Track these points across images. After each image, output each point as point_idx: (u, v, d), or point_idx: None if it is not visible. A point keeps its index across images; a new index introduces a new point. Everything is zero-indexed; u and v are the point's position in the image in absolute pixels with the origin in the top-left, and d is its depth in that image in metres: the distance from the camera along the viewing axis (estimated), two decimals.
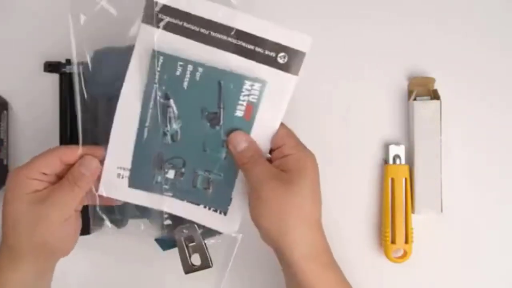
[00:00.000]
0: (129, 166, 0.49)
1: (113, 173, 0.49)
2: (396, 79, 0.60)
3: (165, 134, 0.47)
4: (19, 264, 0.45)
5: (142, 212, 0.53)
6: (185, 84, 0.45)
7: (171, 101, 0.46)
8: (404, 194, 0.58)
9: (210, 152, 0.48)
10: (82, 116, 0.48)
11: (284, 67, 0.45)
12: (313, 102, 0.60)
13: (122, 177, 0.49)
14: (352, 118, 0.60)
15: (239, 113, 0.46)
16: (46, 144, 0.59)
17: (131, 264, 0.60)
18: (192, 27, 0.44)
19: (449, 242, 0.59)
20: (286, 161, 0.45)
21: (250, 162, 0.45)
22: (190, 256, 0.52)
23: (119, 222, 0.57)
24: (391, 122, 0.60)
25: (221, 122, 0.46)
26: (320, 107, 0.60)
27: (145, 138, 0.48)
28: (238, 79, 0.45)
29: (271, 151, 0.48)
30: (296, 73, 0.46)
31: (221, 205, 0.50)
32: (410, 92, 0.59)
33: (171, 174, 0.49)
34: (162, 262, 0.59)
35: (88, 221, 0.55)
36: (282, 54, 0.45)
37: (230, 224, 0.50)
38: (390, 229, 0.58)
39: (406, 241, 0.58)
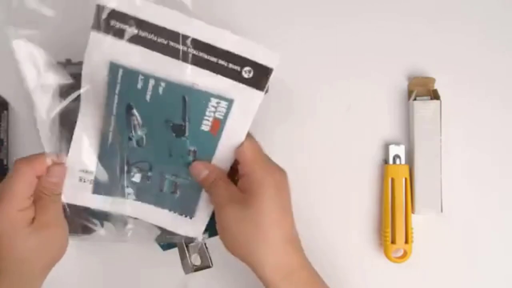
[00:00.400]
0: (93, 169, 0.47)
1: (75, 177, 0.47)
2: (396, 79, 0.60)
3: (130, 139, 0.45)
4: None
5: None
6: (148, 97, 0.43)
7: (134, 111, 0.44)
8: (404, 194, 0.58)
9: (176, 158, 0.46)
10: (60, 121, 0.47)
11: (250, 82, 0.42)
12: (313, 102, 0.60)
13: (85, 181, 0.48)
14: (352, 118, 0.60)
15: (205, 127, 0.44)
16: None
17: (131, 264, 0.60)
18: (148, 36, 0.40)
19: (449, 242, 0.59)
20: (244, 181, 0.44)
21: (212, 186, 0.45)
22: (190, 256, 0.52)
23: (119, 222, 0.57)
24: (391, 122, 0.60)
25: (187, 133, 0.44)
26: (320, 107, 0.60)
27: (110, 142, 0.46)
28: (204, 96, 0.42)
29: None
30: (262, 89, 0.42)
31: (187, 209, 0.49)
32: (410, 92, 0.59)
33: (137, 177, 0.48)
34: (162, 262, 0.59)
35: (88, 221, 0.55)
36: (247, 68, 0.42)
37: (196, 227, 0.50)
38: (390, 229, 0.58)
39: (406, 241, 0.58)
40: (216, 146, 0.45)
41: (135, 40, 0.41)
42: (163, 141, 0.45)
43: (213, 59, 0.41)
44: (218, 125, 0.44)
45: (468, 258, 0.59)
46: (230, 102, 0.43)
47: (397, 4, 0.60)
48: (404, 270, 0.55)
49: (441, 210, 0.57)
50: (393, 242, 0.58)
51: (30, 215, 0.44)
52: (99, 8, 0.40)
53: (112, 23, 0.40)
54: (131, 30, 0.40)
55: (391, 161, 0.59)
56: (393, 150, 0.59)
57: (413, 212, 0.58)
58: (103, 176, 0.48)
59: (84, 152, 0.47)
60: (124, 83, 0.42)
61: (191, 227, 0.50)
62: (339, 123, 0.60)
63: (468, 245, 0.59)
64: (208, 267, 0.52)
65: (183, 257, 0.52)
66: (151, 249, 0.54)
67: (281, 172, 0.45)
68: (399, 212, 0.58)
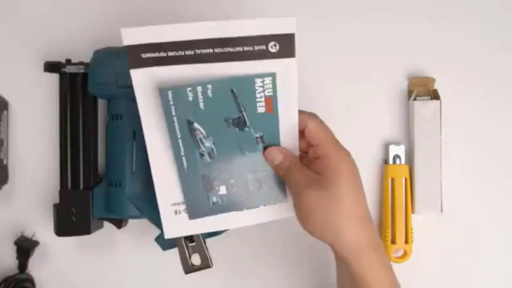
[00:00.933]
0: (182, 199, 0.49)
1: (170, 213, 0.49)
2: (396, 79, 0.60)
3: (202, 155, 0.47)
4: None
5: (142, 211, 0.53)
6: (201, 104, 0.45)
7: (195, 124, 0.46)
8: (404, 194, 0.58)
9: (249, 153, 0.48)
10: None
11: (280, 54, 0.45)
12: (313, 102, 0.59)
13: (180, 212, 0.49)
14: (352, 118, 0.60)
15: (260, 109, 0.46)
16: (46, 144, 0.60)
17: (131, 264, 0.60)
18: (177, 53, 0.44)
19: (449, 242, 0.59)
20: (321, 163, 0.45)
21: (288, 172, 0.46)
22: (190, 256, 0.52)
23: (119, 222, 0.57)
24: (391, 122, 0.60)
25: (247, 123, 0.46)
26: (320, 107, 0.60)
27: (186, 167, 0.48)
28: (248, 80, 0.45)
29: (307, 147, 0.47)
30: (292, 55, 0.45)
31: (279, 196, 0.50)
32: (410, 92, 0.59)
33: (223, 190, 0.49)
34: (162, 262, 0.59)
35: (88, 221, 0.55)
36: (272, 43, 0.45)
37: (291, 207, 0.49)
38: (390, 229, 0.58)
39: (406, 241, 0.58)
40: (278, 124, 0.47)
41: (168, 61, 0.44)
42: (231, 141, 0.47)
43: (239, 49, 0.44)
44: (271, 102, 0.46)
45: (468, 258, 0.59)
46: (273, 76, 0.45)
47: (397, 5, 0.60)
48: (404, 270, 0.55)
49: (441, 210, 0.57)
50: (393, 242, 0.58)
51: None
52: (130, 48, 0.43)
53: (144, 55, 0.44)
54: (162, 55, 0.44)
55: (391, 161, 0.59)
56: (393, 150, 0.59)
57: (413, 212, 0.58)
58: (193, 201, 0.49)
59: (169, 185, 0.48)
60: (177, 102, 0.45)
61: (287, 209, 0.50)
62: (339, 123, 0.60)
63: (468, 245, 0.59)
64: (208, 267, 0.52)
65: (183, 257, 0.52)
66: (151, 249, 0.54)
67: (350, 154, 0.46)
68: (399, 212, 0.58)
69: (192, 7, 0.61)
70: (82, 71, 0.56)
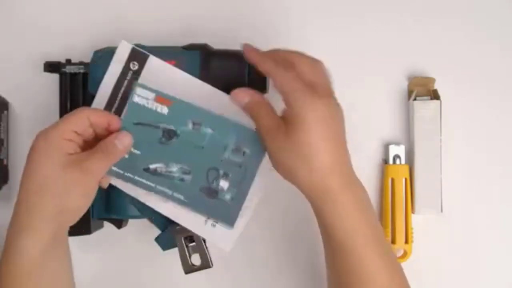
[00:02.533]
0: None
1: (208, 227, 0.51)
2: (396, 79, 0.60)
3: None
4: (38, 231, 0.44)
5: (142, 212, 0.53)
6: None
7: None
8: (404, 194, 0.58)
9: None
10: None
11: None
12: None
13: (215, 225, 0.51)
14: (352, 118, 0.60)
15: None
16: None
17: (131, 264, 0.60)
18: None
19: (449, 242, 0.59)
20: (285, 111, 0.44)
21: (256, 113, 0.46)
22: (190, 256, 0.52)
23: (119, 222, 0.57)
24: (391, 122, 0.60)
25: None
26: None
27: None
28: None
29: None
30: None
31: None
32: (410, 92, 0.59)
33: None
34: (162, 262, 0.59)
35: (88, 221, 0.55)
36: None
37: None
38: (390, 229, 0.58)
39: (406, 241, 0.58)
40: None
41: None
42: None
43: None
44: None
45: (468, 258, 0.59)
46: None
47: (397, 5, 0.60)
48: (404, 270, 0.54)
49: (441, 210, 0.57)
50: (393, 242, 0.58)
51: (72, 148, 0.44)
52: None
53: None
54: None
55: (391, 161, 0.59)
56: (393, 150, 0.59)
57: (413, 212, 0.58)
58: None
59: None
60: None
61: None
62: None
63: (468, 245, 0.59)
64: (208, 267, 0.52)
65: (183, 257, 0.52)
66: (151, 249, 0.54)
67: (323, 95, 0.44)
68: (399, 212, 0.58)
69: (193, 7, 0.61)
70: (82, 71, 0.56)
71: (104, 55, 0.52)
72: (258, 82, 0.52)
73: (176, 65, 0.51)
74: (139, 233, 0.60)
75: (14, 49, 0.61)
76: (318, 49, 0.60)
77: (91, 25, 0.61)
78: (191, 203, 0.49)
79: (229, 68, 0.53)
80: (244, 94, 0.46)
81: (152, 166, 0.49)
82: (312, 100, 0.43)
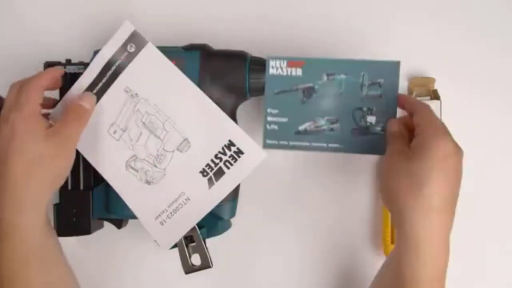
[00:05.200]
0: (162, 209, 0.53)
1: (157, 226, 0.53)
2: None
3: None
4: (35, 209, 0.46)
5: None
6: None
7: None
8: None
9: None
10: None
11: None
12: None
13: (165, 222, 0.53)
14: None
15: None
16: None
17: (131, 264, 0.60)
18: None
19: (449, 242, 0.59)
20: (416, 139, 0.46)
21: (392, 138, 0.49)
22: (190, 256, 0.52)
23: (119, 222, 0.57)
24: None
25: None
26: None
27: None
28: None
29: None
30: None
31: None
32: (410, 92, 0.59)
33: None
34: (162, 262, 0.59)
35: (88, 221, 0.55)
36: None
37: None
38: (390, 229, 0.58)
39: None
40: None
41: None
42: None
43: None
44: None
45: (468, 257, 0.59)
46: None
47: (397, 5, 0.60)
48: None
49: None
50: (393, 242, 0.58)
51: (47, 123, 0.48)
52: None
53: None
54: None
55: None
56: None
57: None
58: None
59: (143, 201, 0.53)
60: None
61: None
62: None
63: (468, 245, 0.59)
64: (208, 267, 0.52)
65: (183, 257, 0.52)
66: (151, 249, 0.54)
67: (455, 154, 0.45)
68: None
69: (195, 7, 0.61)
70: (82, 71, 0.56)
71: None
72: (258, 83, 0.53)
73: (176, 65, 0.51)
74: (139, 233, 0.60)
75: (14, 49, 0.61)
76: (318, 49, 0.60)
77: (91, 25, 0.61)
78: (347, 147, 0.53)
79: (229, 68, 0.53)
80: (396, 123, 0.50)
81: (301, 128, 0.53)
82: (446, 138, 0.45)
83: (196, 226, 0.52)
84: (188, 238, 0.52)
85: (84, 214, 0.55)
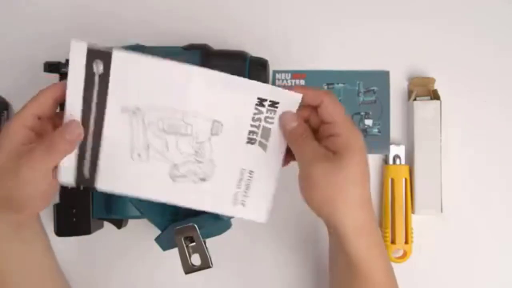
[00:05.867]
0: None
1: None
2: (396, 79, 0.60)
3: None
4: None
5: (142, 212, 0.53)
6: None
7: None
8: (404, 194, 0.58)
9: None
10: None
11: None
12: None
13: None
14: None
15: None
16: None
17: (131, 264, 0.60)
18: None
19: (449, 242, 0.59)
20: (334, 141, 0.44)
21: (299, 141, 0.46)
22: (190, 256, 0.52)
23: (119, 222, 0.57)
24: (391, 122, 0.60)
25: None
26: None
27: None
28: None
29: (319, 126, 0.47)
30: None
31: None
32: (410, 92, 0.59)
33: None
34: (162, 262, 0.59)
35: (88, 221, 0.55)
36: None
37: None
38: (390, 229, 0.58)
39: (406, 241, 0.58)
40: None
41: None
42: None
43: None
44: None
45: (468, 258, 0.59)
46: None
47: (397, 5, 0.60)
48: (404, 270, 0.55)
49: (441, 210, 0.57)
50: (393, 242, 0.58)
51: (27, 138, 0.44)
52: None
53: None
54: None
55: (391, 161, 0.59)
56: (393, 150, 0.59)
57: (413, 212, 0.58)
58: None
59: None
60: None
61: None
62: None
63: (468, 245, 0.59)
64: (208, 267, 0.52)
65: (183, 257, 0.52)
66: (151, 249, 0.54)
67: (362, 135, 0.46)
68: (399, 212, 0.58)
69: (194, 7, 0.61)
70: None
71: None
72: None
73: None
74: (139, 233, 0.60)
75: (14, 49, 0.61)
76: (318, 49, 0.60)
77: (91, 25, 0.61)
78: None
79: (229, 68, 0.52)
80: (294, 118, 0.46)
81: None
82: (359, 134, 0.45)
83: (196, 226, 0.52)
84: (188, 238, 0.52)
85: (84, 214, 0.55)
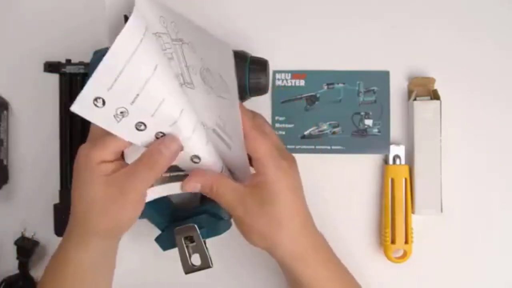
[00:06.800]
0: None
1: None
2: (396, 79, 0.60)
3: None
4: (89, 245, 0.45)
5: (142, 212, 0.53)
6: None
7: None
8: (404, 194, 0.58)
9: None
10: None
11: None
12: None
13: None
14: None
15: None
16: (46, 144, 0.60)
17: (131, 264, 0.60)
18: None
19: (449, 242, 0.59)
20: (260, 179, 0.45)
21: (216, 193, 0.46)
22: (190, 256, 0.52)
23: None
24: (391, 122, 0.60)
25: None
26: None
27: None
28: None
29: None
30: None
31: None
32: (410, 92, 0.59)
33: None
34: (162, 262, 0.59)
35: None
36: None
37: None
38: (390, 229, 0.58)
39: (406, 241, 0.58)
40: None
41: None
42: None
43: None
44: None
45: (468, 257, 0.59)
46: None
47: (397, 5, 0.60)
48: (404, 270, 0.55)
49: (441, 210, 0.57)
50: (393, 242, 0.58)
51: (110, 169, 0.43)
52: None
53: None
54: None
55: (391, 161, 0.59)
56: (393, 150, 0.59)
57: (413, 212, 0.58)
58: None
59: None
60: None
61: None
62: None
63: (468, 245, 0.59)
64: (208, 267, 0.52)
65: (183, 257, 0.52)
66: (151, 249, 0.54)
67: (291, 162, 0.46)
68: (399, 212, 0.58)
69: (193, 7, 0.61)
70: (82, 71, 0.56)
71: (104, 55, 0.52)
72: (258, 83, 0.52)
73: None
74: (139, 233, 0.60)
75: (14, 49, 0.61)
76: (317, 50, 0.60)
77: (91, 25, 0.61)
78: (349, 149, 0.58)
79: None
80: (195, 180, 0.45)
81: (306, 132, 0.58)
82: (285, 167, 0.45)
83: (196, 226, 0.52)
84: (188, 238, 0.52)
85: None
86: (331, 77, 0.58)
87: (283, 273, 0.51)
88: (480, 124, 0.59)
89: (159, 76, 0.40)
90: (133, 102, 0.40)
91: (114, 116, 0.41)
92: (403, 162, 0.58)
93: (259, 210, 0.44)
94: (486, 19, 0.60)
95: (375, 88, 0.59)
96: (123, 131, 0.42)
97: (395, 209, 0.58)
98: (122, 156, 0.45)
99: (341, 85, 0.59)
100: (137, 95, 0.39)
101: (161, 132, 0.43)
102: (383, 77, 0.59)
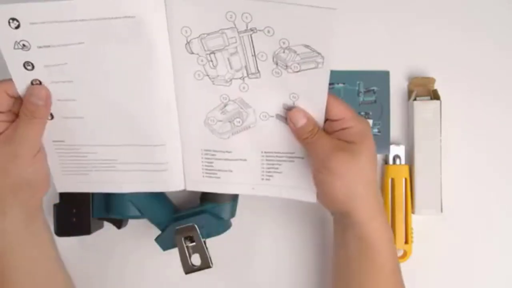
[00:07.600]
0: None
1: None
2: (396, 79, 0.60)
3: None
4: (6, 213, 0.46)
5: (142, 212, 0.53)
6: None
7: None
8: (404, 194, 0.58)
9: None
10: None
11: None
12: None
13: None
14: None
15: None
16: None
17: (131, 264, 0.60)
18: None
19: (449, 242, 0.59)
20: (348, 132, 0.46)
21: (311, 137, 0.47)
22: (190, 256, 0.52)
23: (119, 222, 0.57)
24: (391, 122, 0.60)
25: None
26: None
27: None
28: None
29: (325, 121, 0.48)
30: None
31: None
32: (410, 92, 0.59)
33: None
34: (162, 262, 0.59)
35: (88, 221, 0.55)
36: None
37: None
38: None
39: (406, 241, 0.58)
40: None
41: None
42: None
43: None
44: None
45: (468, 257, 0.59)
46: None
47: (397, 5, 0.60)
48: (404, 270, 0.55)
49: (441, 210, 0.57)
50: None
51: (4, 126, 0.45)
52: None
53: None
54: None
55: (391, 161, 0.59)
56: (393, 150, 0.59)
57: (413, 212, 0.58)
58: None
59: None
60: None
61: None
62: None
63: (468, 245, 0.59)
64: (208, 267, 0.52)
65: (183, 257, 0.52)
66: (151, 249, 0.55)
67: (369, 124, 0.49)
68: (399, 212, 0.58)
69: None
70: None
71: None
72: None
73: None
74: (139, 233, 0.60)
75: None
76: None
77: None
78: None
79: None
80: (304, 113, 0.47)
81: None
82: (366, 121, 0.48)
83: (196, 226, 0.52)
84: (188, 238, 0.52)
85: (84, 214, 0.55)
86: (331, 77, 0.57)
87: (336, 235, 0.51)
88: (480, 124, 0.59)
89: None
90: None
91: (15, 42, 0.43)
92: (403, 162, 0.59)
93: (348, 159, 0.45)
94: (486, 19, 0.60)
95: (375, 88, 0.59)
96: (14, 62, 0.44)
97: (395, 209, 0.58)
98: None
99: (341, 85, 0.59)
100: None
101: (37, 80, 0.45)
102: (383, 77, 0.59)
